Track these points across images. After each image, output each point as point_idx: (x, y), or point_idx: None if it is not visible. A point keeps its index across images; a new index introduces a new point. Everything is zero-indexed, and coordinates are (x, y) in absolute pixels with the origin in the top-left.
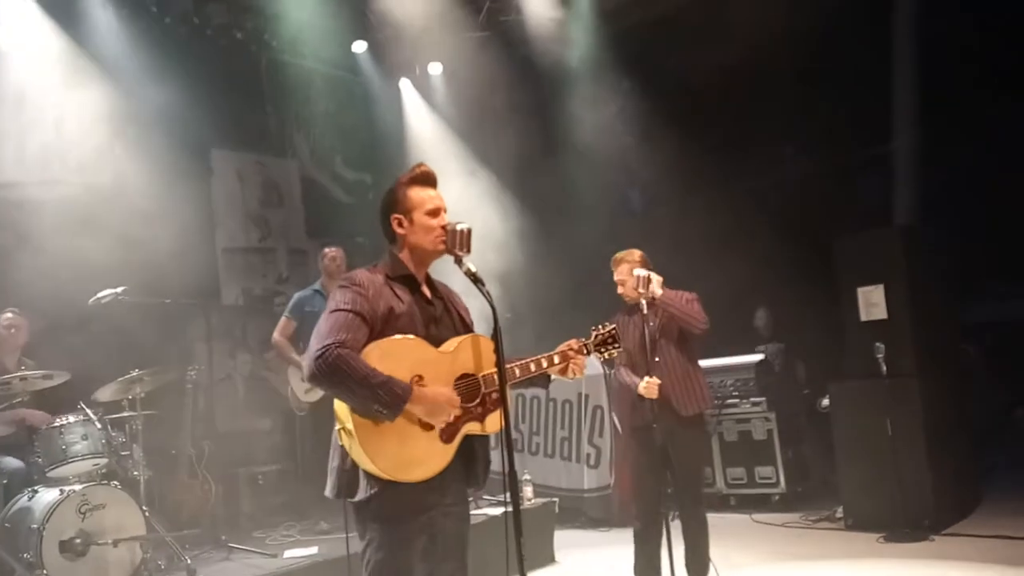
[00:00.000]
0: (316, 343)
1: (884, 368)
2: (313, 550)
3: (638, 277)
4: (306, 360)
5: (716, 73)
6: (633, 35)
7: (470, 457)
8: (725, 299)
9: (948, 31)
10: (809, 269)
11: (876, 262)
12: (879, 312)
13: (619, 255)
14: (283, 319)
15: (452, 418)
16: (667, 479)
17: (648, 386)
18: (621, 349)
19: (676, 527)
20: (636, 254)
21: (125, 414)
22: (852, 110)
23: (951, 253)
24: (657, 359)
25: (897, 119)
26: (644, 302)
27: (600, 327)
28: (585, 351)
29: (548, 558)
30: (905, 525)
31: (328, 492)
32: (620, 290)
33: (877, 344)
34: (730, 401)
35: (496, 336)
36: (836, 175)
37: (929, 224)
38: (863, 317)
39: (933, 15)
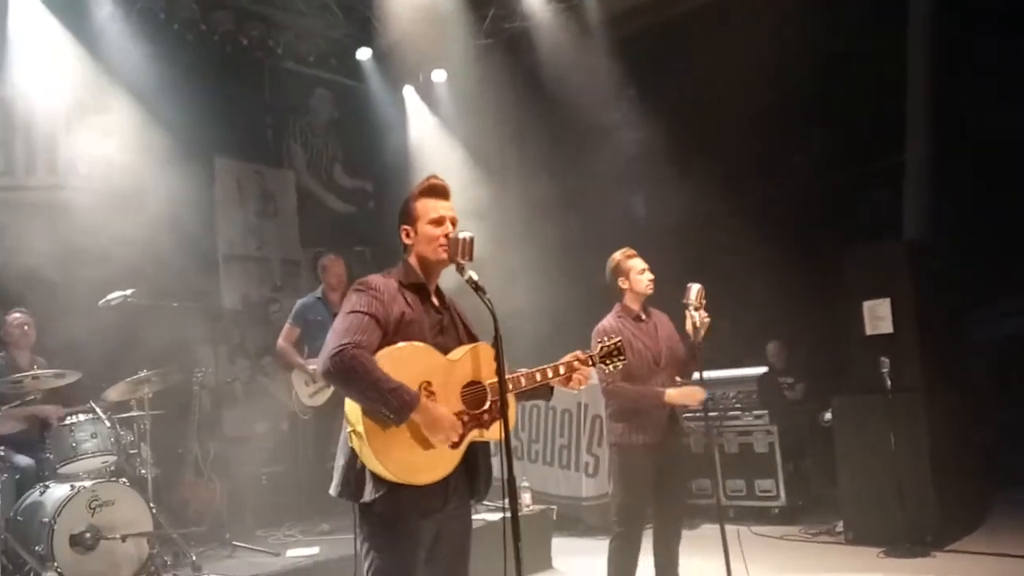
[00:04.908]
0: (333, 341)
1: (889, 383)
2: (315, 550)
3: (700, 290)
4: (321, 357)
5: (723, 81)
6: (639, 42)
7: (473, 468)
8: (727, 309)
9: (963, 45)
10: (814, 281)
11: (883, 276)
12: (885, 326)
13: (629, 250)
14: (287, 326)
15: (448, 442)
16: (651, 493)
17: (691, 393)
18: (626, 361)
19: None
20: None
21: (133, 413)
22: (863, 121)
23: (960, 268)
24: (666, 372)
25: (909, 132)
26: (645, 308)
27: (605, 339)
28: (590, 363)
29: (545, 564)
30: (907, 540)
31: (332, 491)
32: (638, 282)
33: (882, 358)
34: (732, 413)
35: (497, 343)
36: (844, 187)
37: (938, 238)
38: (868, 331)
39: (949, 28)
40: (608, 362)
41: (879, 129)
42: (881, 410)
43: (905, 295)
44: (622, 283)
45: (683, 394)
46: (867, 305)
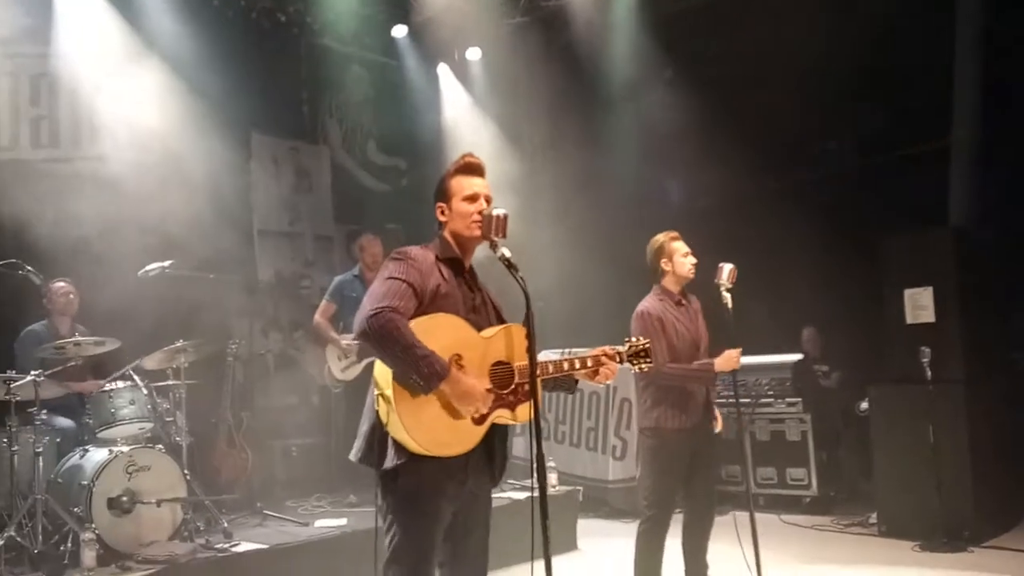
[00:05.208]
0: (370, 304)
1: (929, 373)
2: (342, 521)
3: (732, 270)
4: (358, 318)
5: (763, 60)
6: (676, 23)
7: (491, 451)
8: (763, 293)
9: (1014, 24)
10: (853, 266)
11: (926, 263)
12: (926, 315)
13: (673, 232)
14: (324, 302)
15: (478, 414)
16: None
17: (733, 356)
18: (652, 364)
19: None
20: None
21: (170, 382)
22: (907, 104)
23: (1006, 257)
24: (703, 357)
25: (956, 115)
26: (685, 292)
27: (635, 339)
28: (619, 359)
29: (571, 545)
30: (943, 535)
31: (353, 455)
32: (681, 265)
33: (923, 348)
34: (764, 400)
35: (529, 322)
36: (886, 170)
37: (985, 226)
38: (909, 320)
39: (998, 6)
40: (635, 362)
41: (924, 112)
42: (920, 401)
43: (948, 283)
44: (664, 265)
45: (727, 359)
46: (908, 293)
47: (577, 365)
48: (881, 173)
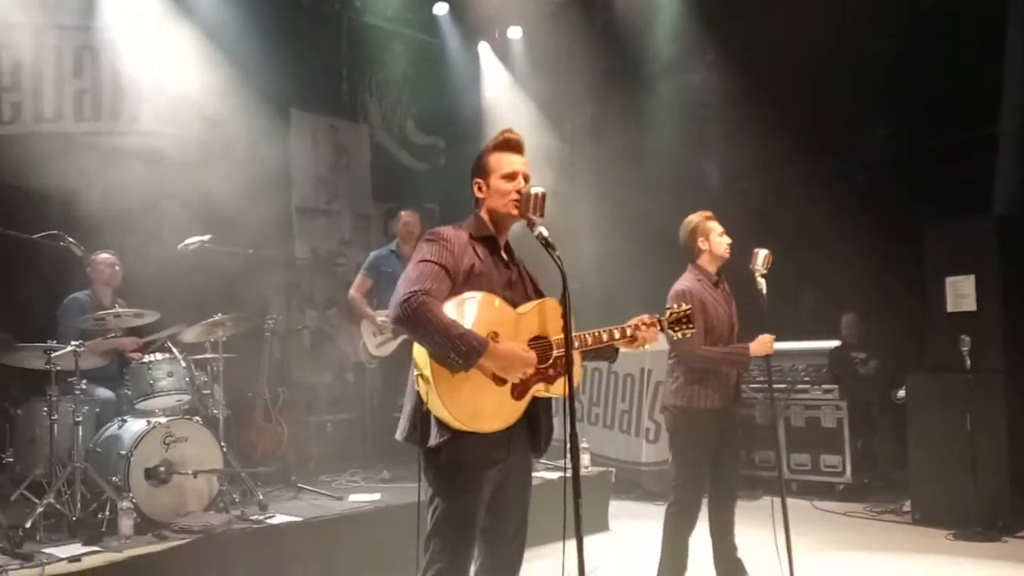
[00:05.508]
0: (403, 288)
1: (968, 362)
2: (376, 496)
3: (767, 256)
4: (392, 303)
5: (804, 49)
6: (719, 4)
7: (534, 424)
8: (802, 279)
9: None
10: (894, 253)
11: (968, 251)
12: (968, 304)
13: (707, 212)
14: (360, 277)
15: (526, 375)
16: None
17: (767, 341)
18: (695, 330)
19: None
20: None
21: (207, 356)
22: (949, 92)
23: None
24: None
25: (1005, 107)
26: (720, 273)
27: (676, 306)
28: (659, 327)
29: (602, 526)
30: (977, 524)
31: (398, 435)
32: (718, 244)
33: (963, 337)
34: (800, 386)
35: (565, 301)
36: (930, 157)
37: None
38: (950, 308)
39: None
40: (676, 329)
41: (966, 100)
42: (958, 390)
43: (991, 272)
44: (702, 244)
45: (761, 344)
46: (950, 281)
47: (616, 335)
48: (923, 161)
